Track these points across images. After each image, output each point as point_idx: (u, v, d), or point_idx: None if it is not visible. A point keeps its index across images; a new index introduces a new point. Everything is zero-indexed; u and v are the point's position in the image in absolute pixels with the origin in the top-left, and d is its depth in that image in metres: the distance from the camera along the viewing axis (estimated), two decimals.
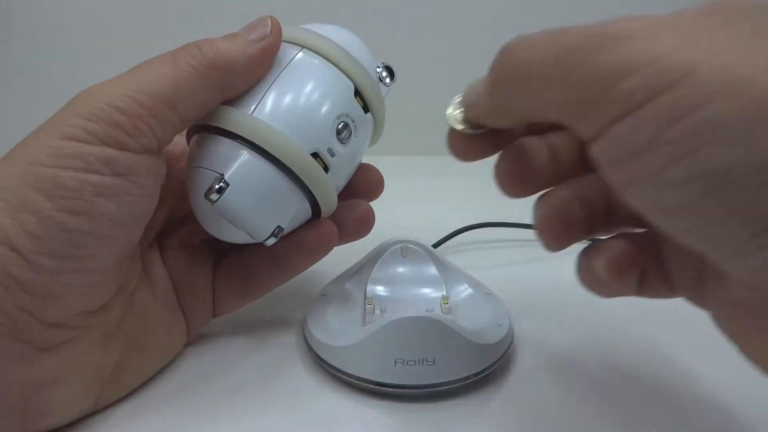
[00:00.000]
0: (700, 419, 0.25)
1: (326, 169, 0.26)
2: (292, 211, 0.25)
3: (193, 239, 0.28)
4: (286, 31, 0.26)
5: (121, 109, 0.21)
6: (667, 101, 0.13)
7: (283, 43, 0.26)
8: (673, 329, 0.31)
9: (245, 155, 0.24)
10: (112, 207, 0.21)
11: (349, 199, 0.29)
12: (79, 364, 0.23)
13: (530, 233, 0.44)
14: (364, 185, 0.30)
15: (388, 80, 0.29)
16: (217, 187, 0.23)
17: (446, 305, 0.29)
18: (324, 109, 0.25)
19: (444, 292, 0.30)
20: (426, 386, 0.25)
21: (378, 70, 0.29)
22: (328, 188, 0.26)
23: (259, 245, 0.26)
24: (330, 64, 0.26)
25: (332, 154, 0.26)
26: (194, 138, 0.26)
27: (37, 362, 0.21)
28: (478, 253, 0.42)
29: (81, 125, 0.21)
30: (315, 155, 0.25)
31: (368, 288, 0.30)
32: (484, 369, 0.26)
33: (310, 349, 0.28)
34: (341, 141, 0.26)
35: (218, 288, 0.28)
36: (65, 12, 0.61)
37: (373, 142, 0.29)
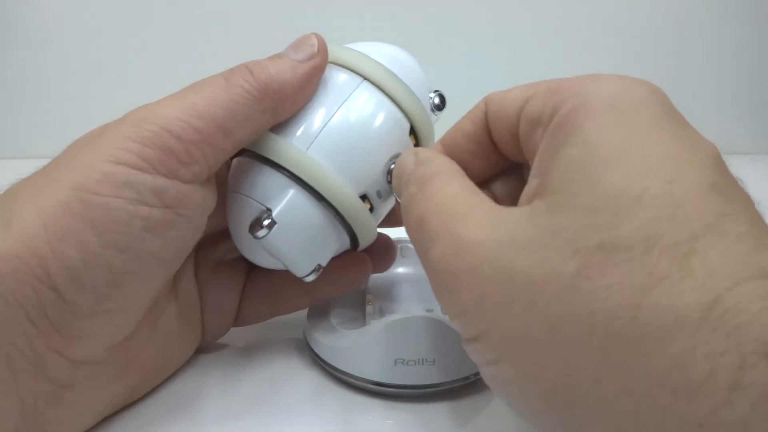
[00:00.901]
0: None
1: (372, 209, 0.25)
2: (334, 248, 0.25)
3: (228, 256, 0.27)
4: (343, 54, 0.25)
5: (176, 134, 0.20)
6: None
7: (338, 68, 0.25)
8: None
9: (294, 192, 0.23)
10: (158, 243, 0.20)
11: None
12: (97, 399, 0.22)
13: None
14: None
15: (438, 110, 0.27)
16: (265, 223, 0.22)
17: None
18: (381, 152, 0.24)
19: None
20: (426, 386, 0.25)
21: (431, 97, 0.27)
22: (372, 227, 0.25)
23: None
24: (391, 103, 0.25)
25: (380, 196, 0.25)
26: (237, 161, 0.25)
27: (57, 400, 0.20)
28: None
29: (134, 149, 0.19)
30: (363, 197, 0.24)
31: (368, 288, 0.30)
32: None
33: (310, 348, 0.28)
34: (389, 181, 0.25)
35: (243, 306, 0.28)
36: (64, 12, 0.61)
37: None
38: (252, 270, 0.28)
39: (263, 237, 0.23)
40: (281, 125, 0.23)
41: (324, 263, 0.25)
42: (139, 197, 0.19)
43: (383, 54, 0.25)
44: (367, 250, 0.28)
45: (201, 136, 0.20)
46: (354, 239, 0.25)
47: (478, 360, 0.17)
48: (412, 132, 0.25)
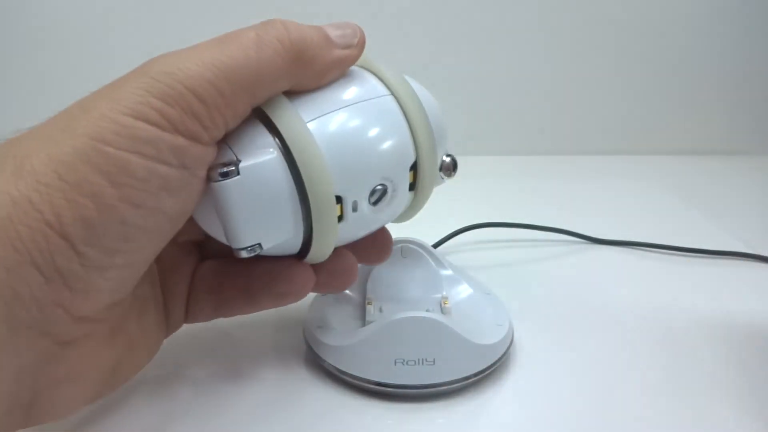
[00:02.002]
0: (701, 418, 0.25)
1: (340, 218, 0.23)
2: (281, 237, 0.22)
3: (182, 236, 0.25)
4: (379, 65, 0.24)
5: (201, 97, 0.19)
6: None
7: (370, 74, 0.24)
8: (673, 329, 0.31)
9: (272, 155, 0.21)
10: (171, 202, 0.19)
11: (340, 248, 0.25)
12: (93, 360, 0.21)
13: (530, 233, 0.44)
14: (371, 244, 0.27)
15: (447, 175, 0.26)
16: (225, 170, 0.20)
17: (446, 305, 0.29)
18: (375, 164, 0.23)
19: (444, 292, 0.30)
20: (426, 386, 0.25)
21: (445, 158, 0.26)
22: (330, 238, 0.23)
23: (236, 261, 0.24)
24: (407, 128, 0.23)
25: (354, 209, 0.23)
26: None
27: (55, 358, 0.19)
28: (478, 253, 0.42)
29: (156, 106, 0.18)
30: (339, 199, 0.22)
31: (368, 288, 0.30)
32: (484, 369, 0.26)
33: (310, 348, 0.28)
34: (371, 203, 0.23)
35: (192, 293, 0.26)
36: (64, 12, 0.61)
37: (399, 220, 0.27)
38: (201, 263, 0.27)
39: (216, 182, 0.20)
40: (295, 96, 0.22)
41: (265, 245, 0.22)
42: (159, 155, 0.18)
43: (418, 88, 0.25)
44: (364, 241, 0.26)
45: (226, 100, 0.19)
46: (307, 243, 0.23)
47: None
48: (413, 168, 0.24)
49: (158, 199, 0.19)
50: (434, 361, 0.25)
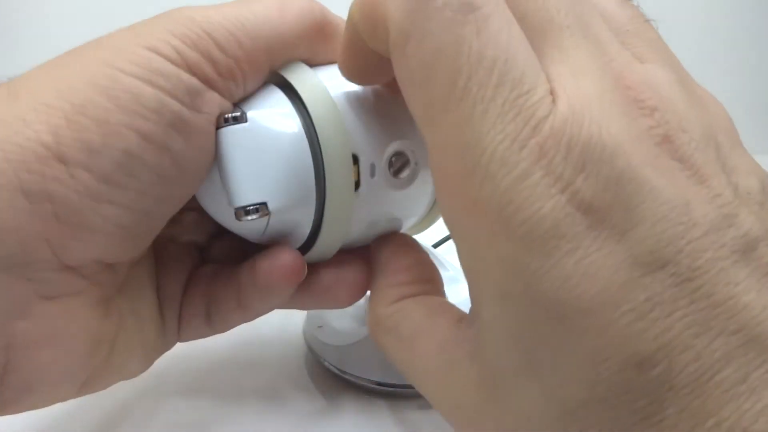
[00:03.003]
0: None
1: (357, 184, 0.20)
2: (289, 199, 0.19)
3: (183, 236, 0.24)
4: None
5: (220, 44, 0.18)
6: None
7: None
8: None
9: (285, 109, 0.19)
10: (180, 144, 0.18)
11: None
12: (79, 325, 0.18)
13: None
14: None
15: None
16: (233, 115, 0.19)
17: None
18: (398, 126, 0.20)
19: (444, 292, 0.30)
20: None
21: None
22: (346, 207, 0.20)
23: (231, 264, 0.22)
24: None
25: (372, 173, 0.20)
26: None
27: (33, 311, 0.17)
28: None
29: (174, 44, 0.17)
30: (355, 158, 0.20)
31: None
32: None
33: (310, 348, 0.28)
34: (391, 172, 0.21)
35: (186, 297, 0.24)
36: (65, 12, 0.61)
37: (417, 229, 0.25)
38: (197, 266, 0.25)
39: (221, 127, 0.19)
40: (311, 64, 0.21)
41: (271, 205, 0.19)
42: (172, 90, 0.17)
43: None
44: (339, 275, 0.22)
45: (245, 54, 0.18)
46: (318, 224, 0.20)
47: None
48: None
49: (167, 136, 0.17)
50: None
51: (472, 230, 0.14)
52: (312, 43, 0.20)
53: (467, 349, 0.16)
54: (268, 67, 0.20)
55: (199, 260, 0.25)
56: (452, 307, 0.19)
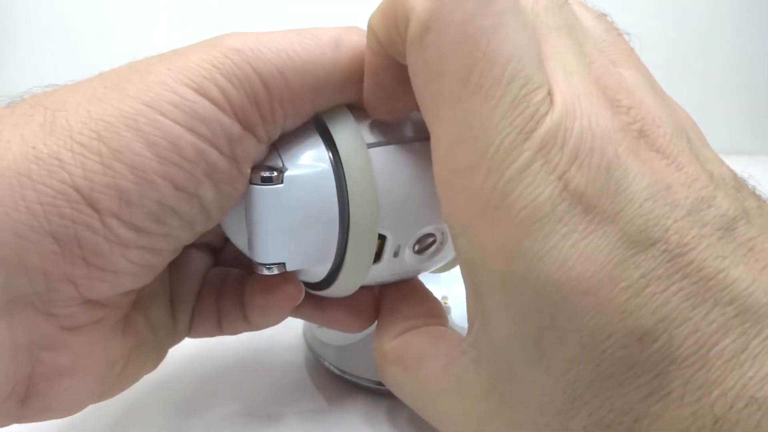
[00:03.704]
0: None
1: (378, 258, 0.20)
2: (308, 262, 0.20)
3: (201, 238, 0.24)
4: None
5: (266, 84, 0.17)
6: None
7: None
8: None
9: (323, 171, 0.19)
10: (212, 193, 0.17)
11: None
12: (99, 353, 0.19)
13: None
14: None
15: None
16: (269, 174, 0.18)
17: (446, 305, 0.29)
18: (434, 210, 0.20)
19: (444, 293, 0.30)
20: None
21: None
22: (360, 276, 0.20)
23: (241, 272, 0.23)
24: None
25: (396, 254, 0.20)
26: None
27: (57, 344, 0.17)
28: None
29: (221, 84, 0.16)
30: (382, 238, 0.20)
31: None
32: None
33: (310, 348, 0.28)
34: (415, 251, 0.21)
35: (199, 299, 0.24)
36: (64, 12, 0.61)
37: (437, 271, 0.25)
38: (210, 268, 0.25)
39: (256, 184, 0.18)
40: (354, 111, 0.20)
41: (289, 266, 0.20)
42: (212, 138, 0.16)
43: None
44: (349, 304, 0.23)
45: (290, 95, 0.17)
46: (332, 275, 0.21)
47: None
48: None
49: (200, 186, 0.17)
50: None
51: (474, 221, 0.14)
52: (358, 90, 0.19)
53: (471, 356, 0.16)
54: (313, 109, 0.19)
55: (213, 262, 0.25)
56: (454, 332, 0.19)
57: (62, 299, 0.16)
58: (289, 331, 0.30)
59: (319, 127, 0.19)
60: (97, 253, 0.16)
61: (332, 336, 0.27)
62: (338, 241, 0.19)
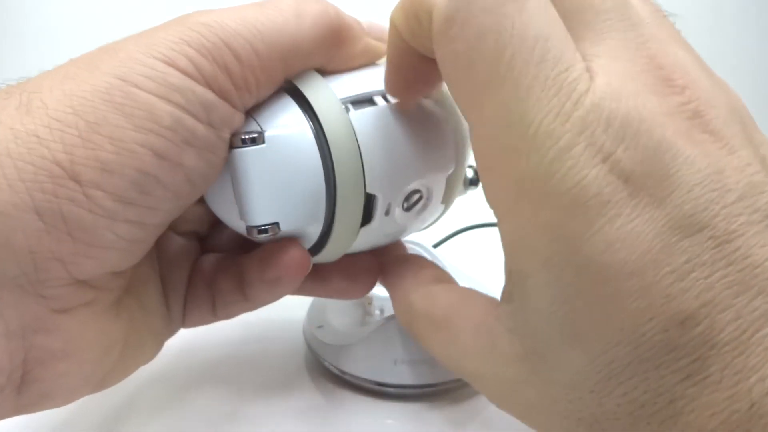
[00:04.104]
0: None
1: (370, 218, 0.21)
2: (301, 220, 0.20)
3: (185, 225, 0.24)
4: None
5: (236, 53, 0.18)
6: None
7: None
8: None
9: (303, 130, 0.19)
10: (194, 160, 0.18)
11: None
12: (93, 336, 0.19)
13: None
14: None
15: (470, 187, 0.25)
16: (250, 137, 0.19)
17: None
18: (419, 165, 0.21)
19: None
20: (426, 386, 0.25)
21: (468, 174, 0.25)
22: (350, 233, 0.21)
23: (235, 254, 0.23)
24: (453, 134, 0.22)
25: (387, 212, 0.21)
26: None
27: (49, 327, 0.17)
28: (478, 253, 0.42)
29: (191, 55, 0.17)
30: (372, 198, 0.20)
31: None
32: None
33: (310, 348, 0.28)
34: (404, 208, 0.21)
35: (191, 286, 0.24)
36: (65, 12, 0.61)
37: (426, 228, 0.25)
38: (201, 256, 0.25)
39: (237, 148, 0.19)
40: (336, 75, 0.21)
41: (283, 227, 0.20)
42: (187, 105, 0.17)
43: None
44: (349, 270, 0.24)
45: (260, 63, 0.18)
46: (324, 237, 0.21)
47: None
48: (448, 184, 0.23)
49: (181, 153, 0.17)
50: (434, 361, 0.25)
51: (517, 203, 0.15)
52: (328, 50, 0.20)
53: (507, 325, 0.16)
54: (283, 76, 0.19)
55: (201, 249, 0.25)
56: (482, 293, 0.19)
57: (51, 279, 0.16)
58: (289, 331, 0.30)
59: (291, 93, 0.20)
60: (82, 227, 0.16)
61: (332, 336, 0.27)
62: (326, 196, 0.20)
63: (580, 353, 0.14)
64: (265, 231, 0.19)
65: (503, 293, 0.17)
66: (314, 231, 0.21)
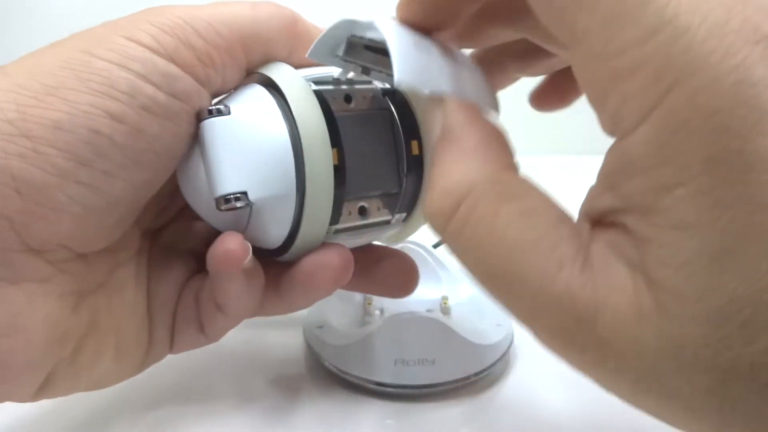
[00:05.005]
0: None
1: (335, 219, 0.21)
2: (269, 189, 0.20)
3: (181, 243, 0.24)
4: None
5: (197, 30, 0.19)
6: None
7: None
8: None
9: (269, 102, 0.20)
10: (155, 128, 0.18)
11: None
12: (42, 315, 0.18)
13: None
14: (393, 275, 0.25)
15: None
16: (216, 108, 0.20)
17: (446, 305, 0.29)
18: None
19: (444, 293, 0.30)
20: (426, 386, 0.25)
21: None
22: (325, 205, 0.20)
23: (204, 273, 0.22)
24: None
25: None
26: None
27: None
28: None
29: (152, 32, 0.18)
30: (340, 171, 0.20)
31: None
32: (484, 369, 0.26)
33: (310, 348, 0.28)
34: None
35: (178, 313, 0.23)
36: (65, 13, 0.61)
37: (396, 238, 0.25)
38: (194, 274, 0.24)
39: (203, 120, 0.19)
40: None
41: (251, 195, 0.19)
42: (146, 74, 0.18)
43: None
44: (387, 270, 0.25)
45: (223, 42, 0.19)
46: (297, 221, 0.20)
47: None
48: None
49: (141, 119, 0.18)
50: (434, 361, 0.25)
51: (662, 99, 0.12)
52: (286, 41, 0.21)
53: (623, 251, 0.13)
54: (245, 59, 0.20)
55: (197, 268, 0.24)
56: (553, 204, 0.15)
57: (0, 242, 0.16)
58: (289, 331, 0.30)
59: (258, 81, 0.21)
60: (31, 183, 0.16)
61: (332, 336, 0.27)
62: (295, 165, 0.19)
63: (737, 276, 0.11)
64: (235, 200, 0.19)
65: (602, 227, 0.14)
66: (287, 211, 0.20)
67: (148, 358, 0.23)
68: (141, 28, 0.18)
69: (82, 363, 0.20)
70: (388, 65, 0.16)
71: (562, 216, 0.14)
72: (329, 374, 0.27)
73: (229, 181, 0.19)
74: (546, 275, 0.13)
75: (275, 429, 0.24)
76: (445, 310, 0.29)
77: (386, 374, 0.25)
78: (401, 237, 0.25)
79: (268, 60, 0.21)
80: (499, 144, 0.16)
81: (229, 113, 0.20)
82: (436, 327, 0.25)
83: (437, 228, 0.15)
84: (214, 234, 0.21)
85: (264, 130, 0.19)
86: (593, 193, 0.14)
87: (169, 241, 0.24)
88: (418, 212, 0.23)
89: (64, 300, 0.19)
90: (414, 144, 0.22)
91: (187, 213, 0.23)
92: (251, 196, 0.19)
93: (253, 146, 0.19)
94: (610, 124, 0.13)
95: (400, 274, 0.25)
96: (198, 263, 0.24)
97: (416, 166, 0.22)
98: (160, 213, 0.24)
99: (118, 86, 0.17)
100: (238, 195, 0.19)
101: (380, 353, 0.25)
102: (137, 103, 0.18)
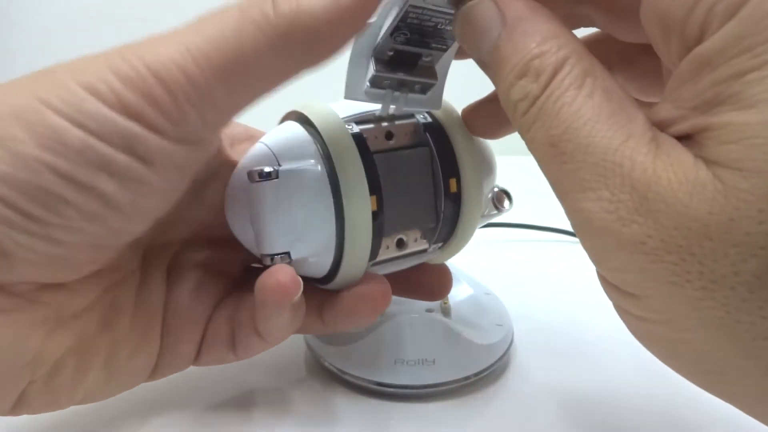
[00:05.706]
0: (699, 425, 0.25)
1: (375, 254, 0.22)
2: (311, 248, 0.21)
3: (213, 264, 0.24)
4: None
5: (165, 84, 0.16)
6: None
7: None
8: None
9: (314, 164, 0.21)
10: (115, 189, 0.17)
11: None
12: (7, 343, 0.18)
13: (531, 233, 0.44)
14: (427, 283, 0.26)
15: (501, 208, 0.26)
16: (266, 171, 0.20)
17: (446, 305, 0.29)
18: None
19: None
20: (426, 386, 0.25)
21: (491, 194, 0.26)
22: (362, 255, 0.22)
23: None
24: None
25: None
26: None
27: None
28: (478, 253, 0.42)
29: (113, 86, 0.16)
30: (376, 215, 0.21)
31: None
32: (484, 369, 0.26)
33: (310, 348, 0.28)
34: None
35: (209, 330, 0.23)
36: (65, 13, 0.61)
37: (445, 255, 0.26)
38: (228, 294, 0.24)
39: (255, 183, 0.20)
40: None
41: (294, 255, 0.21)
42: (102, 133, 0.16)
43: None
44: (423, 276, 0.26)
45: (195, 88, 0.17)
46: (337, 263, 0.22)
47: (627, 312, 0.15)
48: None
49: (95, 179, 0.17)
50: (434, 361, 0.25)
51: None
52: (287, 55, 0.17)
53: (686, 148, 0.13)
54: (238, 97, 0.18)
55: (231, 288, 0.25)
56: (627, 92, 0.15)
57: None
58: None
59: (304, 124, 0.22)
60: None
61: (332, 336, 0.27)
62: (336, 227, 0.21)
63: None
64: (279, 259, 0.21)
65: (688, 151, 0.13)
66: (326, 260, 0.22)
67: (163, 369, 0.23)
68: (102, 77, 0.17)
69: (59, 383, 0.20)
70: (420, 72, 0.20)
71: (635, 102, 0.15)
72: (329, 374, 0.27)
73: (274, 243, 0.21)
74: (612, 143, 0.14)
75: (276, 429, 0.24)
76: (445, 310, 0.29)
77: (386, 374, 0.25)
78: (437, 261, 0.26)
79: (291, 76, 0.18)
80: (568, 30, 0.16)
81: (277, 177, 0.20)
82: (436, 327, 0.25)
83: (517, 92, 0.16)
84: (253, 258, 0.21)
85: (308, 193, 0.21)
86: (658, 109, 0.14)
87: (200, 260, 0.24)
88: (455, 242, 0.24)
89: (35, 327, 0.19)
90: (452, 182, 0.23)
91: (220, 239, 0.24)
92: (293, 256, 0.21)
93: (298, 208, 0.21)
94: (682, 43, 0.13)
95: (435, 278, 0.25)
96: (233, 283, 0.25)
97: (454, 202, 0.23)
98: (172, 227, 0.23)
99: (70, 144, 0.16)
100: (281, 254, 0.21)
101: (380, 353, 0.25)
102: (91, 163, 0.17)
